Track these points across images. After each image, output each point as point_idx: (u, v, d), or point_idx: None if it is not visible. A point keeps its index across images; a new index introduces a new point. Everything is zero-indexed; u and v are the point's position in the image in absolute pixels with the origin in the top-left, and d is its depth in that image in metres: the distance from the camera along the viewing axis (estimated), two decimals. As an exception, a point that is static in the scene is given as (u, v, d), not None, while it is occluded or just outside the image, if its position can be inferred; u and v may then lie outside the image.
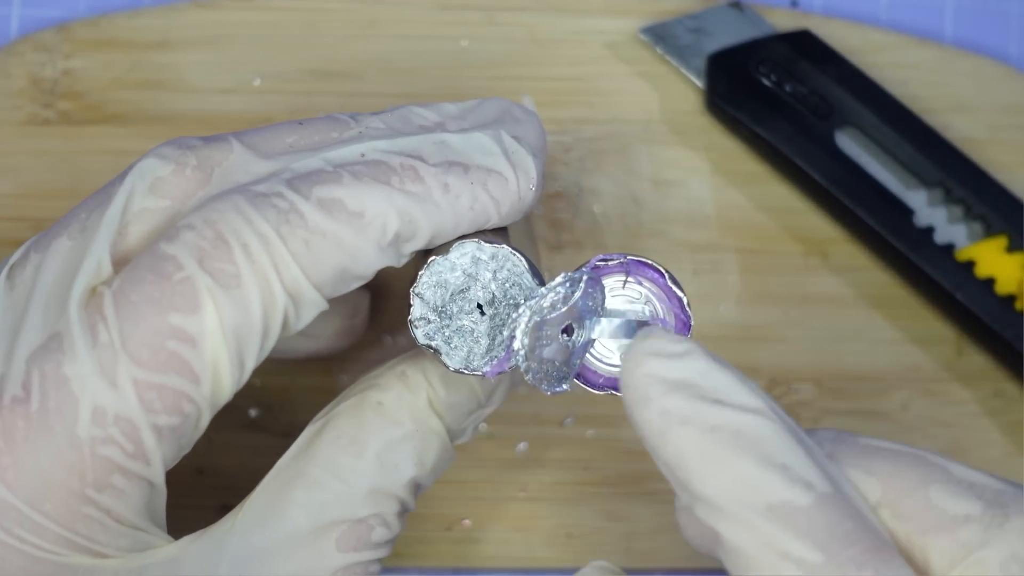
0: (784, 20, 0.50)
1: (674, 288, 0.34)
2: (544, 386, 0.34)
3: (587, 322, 0.34)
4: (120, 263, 0.33)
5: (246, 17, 0.49)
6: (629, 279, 0.34)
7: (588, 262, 0.34)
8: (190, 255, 0.32)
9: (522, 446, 0.47)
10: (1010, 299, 0.47)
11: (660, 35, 0.50)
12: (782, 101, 0.48)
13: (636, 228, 0.48)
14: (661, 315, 0.34)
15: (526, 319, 0.33)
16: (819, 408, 0.48)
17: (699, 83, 0.49)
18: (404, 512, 0.36)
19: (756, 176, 0.49)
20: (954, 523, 0.30)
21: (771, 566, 0.29)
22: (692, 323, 0.34)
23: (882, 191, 0.48)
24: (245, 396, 0.47)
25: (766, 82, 0.48)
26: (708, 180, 0.49)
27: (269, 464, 0.44)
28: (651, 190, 0.49)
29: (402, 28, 0.50)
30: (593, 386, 0.35)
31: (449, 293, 0.34)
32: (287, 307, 0.33)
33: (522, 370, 0.34)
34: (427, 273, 0.34)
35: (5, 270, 0.34)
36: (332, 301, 0.34)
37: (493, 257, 0.34)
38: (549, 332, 0.33)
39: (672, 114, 0.49)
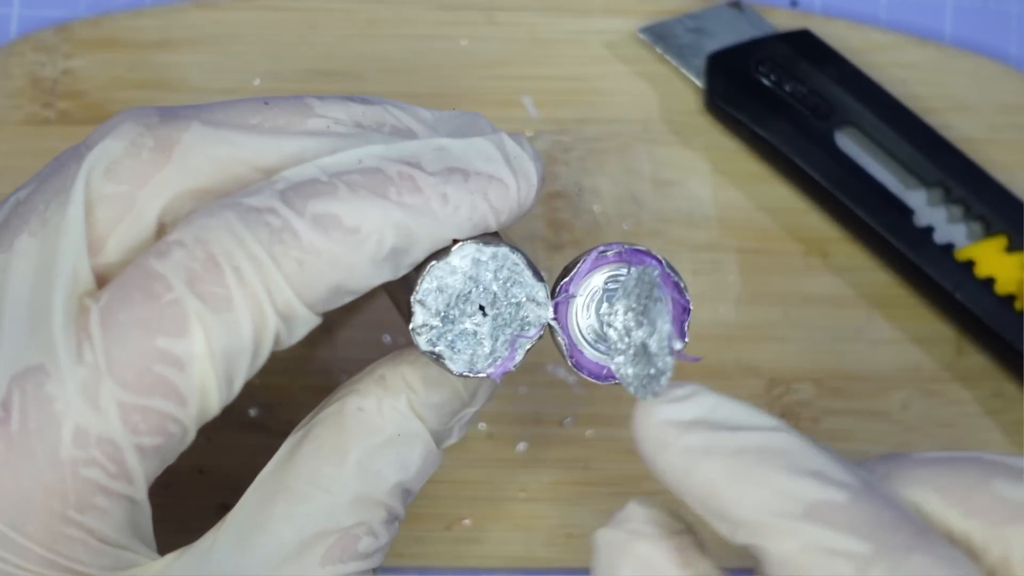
0: (784, 20, 0.50)
1: (671, 274, 0.34)
2: (644, 389, 0.32)
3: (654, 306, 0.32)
4: (91, 256, 0.32)
5: (246, 17, 0.49)
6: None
7: (589, 252, 0.34)
8: (179, 276, 0.31)
9: (522, 446, 0.47)
10: (1010, 299, 0.47)
11: (660, 35, 0.50)
12: (782, 101, 0.48)
13: (636, 228, 0.48)
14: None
15: (622, 310, 0.32)
16: (819, 408, 0.48)
17: (699, 83, 0.49)
18: (393, 520, 0.35)
19: (756, 176, 0.49)
20: None
21: (822, 567, 0.28)
22: (691, 307, 0.34)
23: (882, 191, 0.48)
24: (245, 396, 0.46)
25: (766, 82, 0.48)
26: (708, 180, 0.49)
27: (269, 464, 0.45)
28: (651, 190, 0.49)
29: (402, 28, 0.49)
30: (597, 377, 0.34)
31: (452, 297, 0.33)
32: (278, 327, 0.32)
33: (621, 375, 0.32)
34: (427, 278, 0.33)
35: None
36: None
37: (493, 257, 0.34)
38: (640, 317, 0.32)
39: (672, 114, 0.49)
